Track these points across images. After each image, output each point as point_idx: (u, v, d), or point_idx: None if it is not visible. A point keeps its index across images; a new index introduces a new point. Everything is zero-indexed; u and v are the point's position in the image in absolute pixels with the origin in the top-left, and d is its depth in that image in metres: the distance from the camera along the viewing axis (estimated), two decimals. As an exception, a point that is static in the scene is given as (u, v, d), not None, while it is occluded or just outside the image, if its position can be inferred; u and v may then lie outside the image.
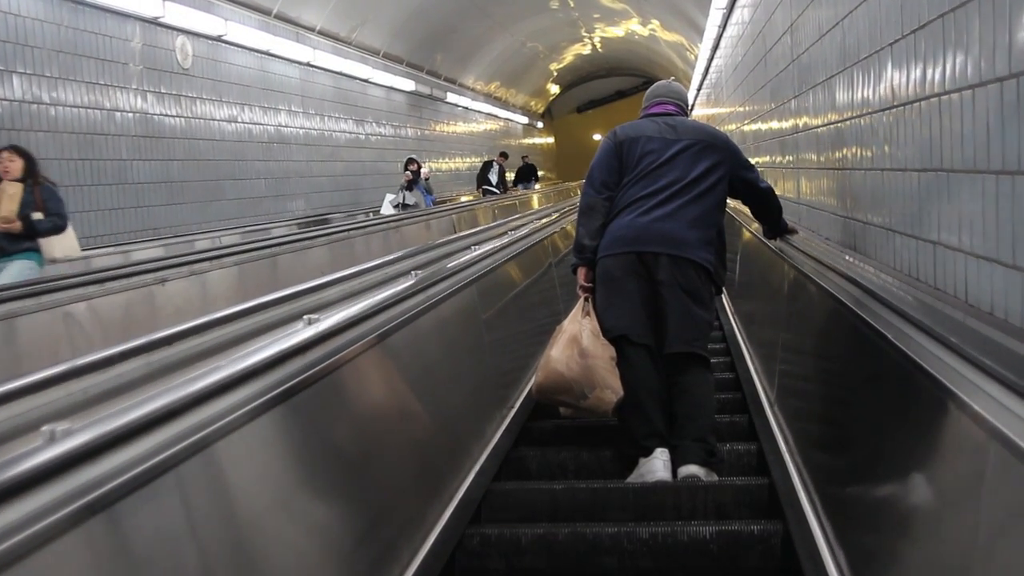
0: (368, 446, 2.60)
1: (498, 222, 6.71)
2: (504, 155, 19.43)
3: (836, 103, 4.05)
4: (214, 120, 9.85)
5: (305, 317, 2.60)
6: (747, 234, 6.45)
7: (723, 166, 3.91)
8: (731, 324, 6.38)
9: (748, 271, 6.22)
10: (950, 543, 1.69)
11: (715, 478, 3.58)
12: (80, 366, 1.99)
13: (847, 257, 3.51)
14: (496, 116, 24.59)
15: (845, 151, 3.93)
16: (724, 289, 5.23)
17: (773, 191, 4.32)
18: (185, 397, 1.76)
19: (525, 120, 28.72)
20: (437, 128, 18.96)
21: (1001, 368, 1.61)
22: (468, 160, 21.24)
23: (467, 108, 21.27)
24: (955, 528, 1.68)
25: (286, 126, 11.70)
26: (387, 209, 11.40)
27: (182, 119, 9.20)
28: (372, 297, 3.03)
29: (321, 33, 12.76)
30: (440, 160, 18.97)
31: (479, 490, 3.36)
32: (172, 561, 1.55)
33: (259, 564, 1.87)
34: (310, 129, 12.47)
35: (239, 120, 10.42)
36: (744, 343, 5.55)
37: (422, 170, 12.63)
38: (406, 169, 12.52)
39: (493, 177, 18.18)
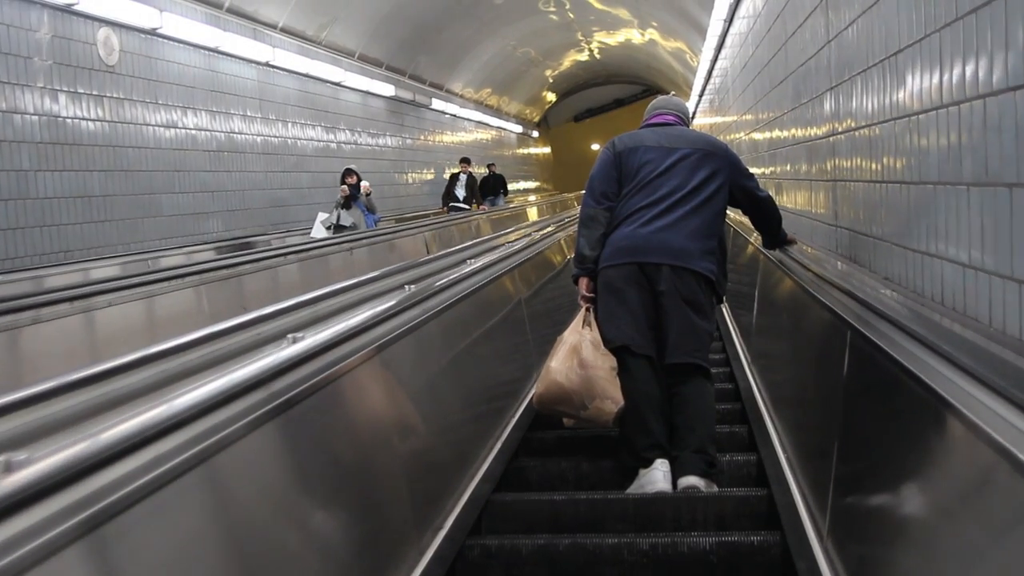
0: (364, 459, 2.57)
1: (459, 247, 5.47)
2: (466, 161, 16.01)
3: (908, 89, 2.82)
4: (148, 125, 8.60)
5: (3, 458, 1.42)
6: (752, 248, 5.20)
7: (722, 174, 3.90)
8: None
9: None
10: (949, 555, 1.68)
11: (715, 489, 3.58)
12: None
13: (919, 311, 2.45)
14: (487, 125, 23.36)
15: (916, 159, 2.71)
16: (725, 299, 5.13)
17: (772, 200, 4.26)
18: None
19: (519, 129, 27.49)
20: (422, 137, 17.70)
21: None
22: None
23: (455, 116, 20.02)
24: (954, 540, 1.66)
25: (240, 133, 10.44)
26: (318, 232, 9.72)
27: (105, 124, 7.95)
28: (208, 384, 1.92)
29: (284, 31, 11.53)
30: (425, 171, 17.69)
31: (480, 501, 3.34)
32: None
33: None
34: (270, 136, 11.21)
35: (180, 125, 9.17)
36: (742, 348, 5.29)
37: (362, 184, 10.66)
38: (343, 182, 10.79)
39: (460, 191, 15.75)
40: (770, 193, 4.32)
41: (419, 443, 3.13)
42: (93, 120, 7.78)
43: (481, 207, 16.23)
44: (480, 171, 17.88)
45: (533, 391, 4.06)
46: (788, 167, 5.78)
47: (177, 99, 9.11)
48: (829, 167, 4.33)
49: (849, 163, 3.82)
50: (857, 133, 3.64)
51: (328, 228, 9.71)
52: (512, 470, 3.89)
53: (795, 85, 5.27)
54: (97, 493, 1.49)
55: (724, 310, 7.49)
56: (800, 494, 3.07)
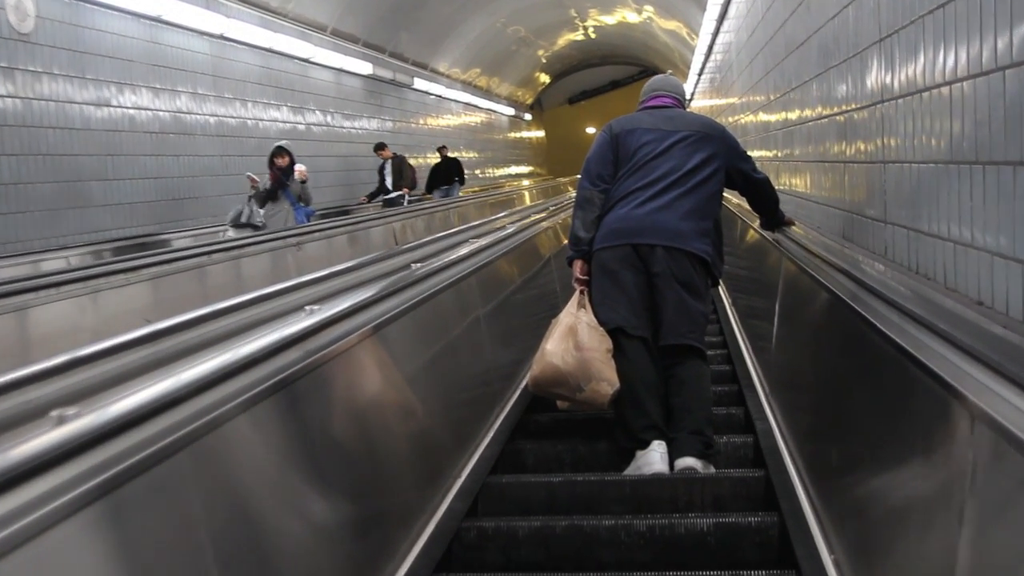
0: (364, 441, 2.60)
1: (405, 246, 4.43)
2: (381, 146, 13.29)
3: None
4: (73, 103, 7.54)
5: None
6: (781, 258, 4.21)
7: (719, 157, 3.89)
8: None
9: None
10: (944, 534, 1.67)
11: (712, 470, 3.58)
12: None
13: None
14: (477, 107, 22.27)
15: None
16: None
17: (769, 181, 4.23)
18: None
19: (511, 111, 26.39)
20: (403, 119, 16.62)
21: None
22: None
23: (441, 97, 18.92)
24: (949, 519, 1.64)
25: (189, 112, 9.37)
26: (234, 229, 7.85)
27: (17, 100, 6.90)
28: None
29: (243, 0, 10.46)
30: (409, 156, 16.56)
31: (476, 484, 3.34)
32: (173, 546, 1.59)
33: (258, 556, 1.88)
34: (225, 117, 10.14)
35: (113, 103, 8.11)
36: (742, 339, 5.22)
37: (297, 168, 8.46)
38: (271, 165, 8.43)
39: (389, 180, 12.99)
40: (770, 175, 4.26)
41: (415, 427, 3.11)
42: (1, 96, 6.74)
43: (406, 192, 13.24)
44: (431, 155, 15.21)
45: (528, 373, 4.02)
46: (809, 148, 4.77)
47: (110, 74, 8.05)
48: (871, 147, 3.33)
49: (909, 140, 2.81)
50: (925, 97, 2.63)
51: (239, 227, 7.80)
52: (508, 452, 3.86)
53: (822, 45, 4.26)
54: None
55: (723, 295, 6.58)
56: (797, 475, 3.07)
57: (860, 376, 2.58)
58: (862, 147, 3.50)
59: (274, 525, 2.02)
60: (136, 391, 1.75)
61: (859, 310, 2.50)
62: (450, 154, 15.91)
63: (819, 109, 4.43)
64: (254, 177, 8.44)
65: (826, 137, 4.28)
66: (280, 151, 8.67)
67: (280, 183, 8.54)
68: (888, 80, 3.05)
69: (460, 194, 15.35)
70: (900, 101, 2.93)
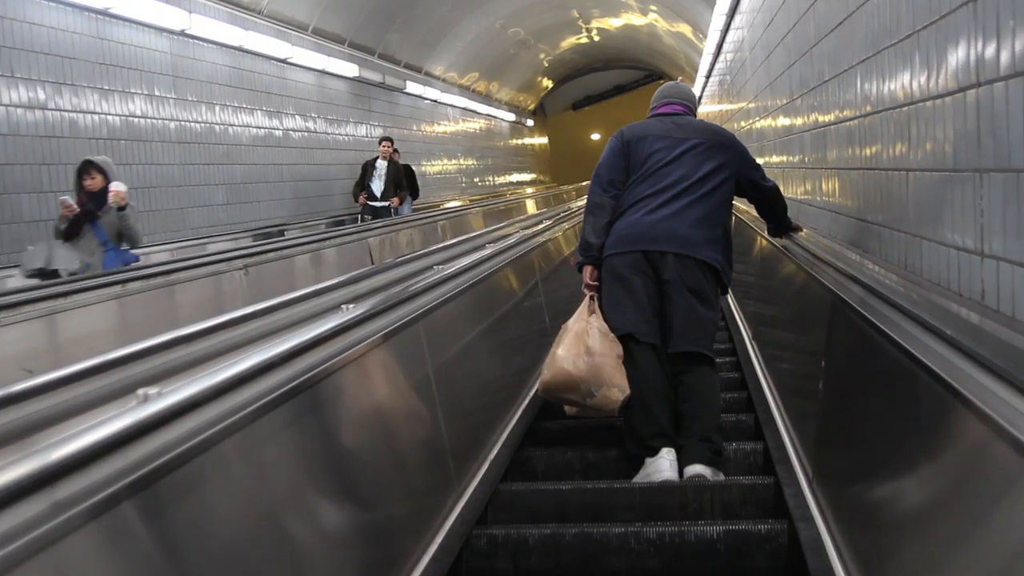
0: (374, 449, 2.60)
1: (340, 279, 3.52)
2: (388, 140, 11.88)
3: None
4: (-3, 105, 6.65)
5: None
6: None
7: (730, 165, 3.91)
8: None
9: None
10: (955, 542, 1.66)
11: (721, 477, 3.55)
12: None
13: None
14: (475, 112, 21.35)
15: None
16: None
17: (778, 189, 4.27)
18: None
19: (512, 117, 25.48)
20: (394, 125, 15.70)
21: None
22: (439, 163, 18.04)
23: (436, 101, 18.00)
24: (960, 527, 1.65)
25: (144, 116, 8.46)
26: (21, 279, 5.38)
27: (-77, 101, 6.01)
28: None
29: (210, -5, 9.58)
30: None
31: (486, 491, 3.35)
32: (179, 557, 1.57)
33: (269, 565, 1.90)
34: (188, 122, 9.23)
35: (51, 106, 7.19)
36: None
37: (113, 187, 5.75)
38: (78, 185, 5.84)
39: (377, 184, 11.48)
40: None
41: (424, 435, 3.06)
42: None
43: (395, 203, 11.73)
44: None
45: (539, 379, 4.06)
46: (849, 151, 3.85)
47: (46, 72, 7.15)
48: (953, 150, 2.40)
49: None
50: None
51: (36, 275, 5.29)
52: (518, 460, 3.88)
53: (871, 22, 3.34)
54: None
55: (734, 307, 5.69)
56: (806, 481, 3.07)
57: (868, 381, 2.56)
58: (939, 150, 2.57)
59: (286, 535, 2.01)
60: None
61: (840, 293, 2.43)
62: (399, 160, 14.14)
63: (864, 105, 3.51)
64: (69, 202, 5.76)
65: (876, 138, 3.35)
66: (88, 167, 5.90)
67: (88, 213, 5.80)
68: (990, 54, 2.12)
69: (411, 210, 13.59)
70: (1010, 83, 2.01)
